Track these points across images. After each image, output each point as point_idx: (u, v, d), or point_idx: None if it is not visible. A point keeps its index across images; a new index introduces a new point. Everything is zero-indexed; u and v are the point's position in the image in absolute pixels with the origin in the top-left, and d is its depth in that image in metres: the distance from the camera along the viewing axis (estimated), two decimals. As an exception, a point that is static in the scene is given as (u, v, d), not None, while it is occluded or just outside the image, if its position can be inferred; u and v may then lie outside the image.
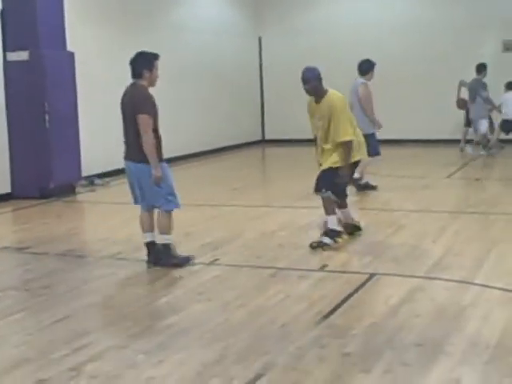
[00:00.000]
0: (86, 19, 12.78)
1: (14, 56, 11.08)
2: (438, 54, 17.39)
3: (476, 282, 6.32)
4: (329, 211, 7.61)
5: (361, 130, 10.12)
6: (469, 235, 8.16)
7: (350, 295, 6.00)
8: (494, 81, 15.44)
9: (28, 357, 4.85)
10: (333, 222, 7.61)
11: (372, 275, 6.55)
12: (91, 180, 12.29)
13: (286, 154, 17.40)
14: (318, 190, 7.58)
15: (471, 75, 15.60)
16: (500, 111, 15.45)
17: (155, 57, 6.88)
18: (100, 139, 12.83)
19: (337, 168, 7.46)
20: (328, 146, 7.51)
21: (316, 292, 6.16)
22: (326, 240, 7.53)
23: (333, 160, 7.47)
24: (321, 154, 7.66)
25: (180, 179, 12.90)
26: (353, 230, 8.01)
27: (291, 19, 18.80)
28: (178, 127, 14.08)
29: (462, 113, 16.14)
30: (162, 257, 7.01)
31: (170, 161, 14.07)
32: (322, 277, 6.65)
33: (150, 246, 7.10)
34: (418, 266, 6.88)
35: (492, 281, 6.32)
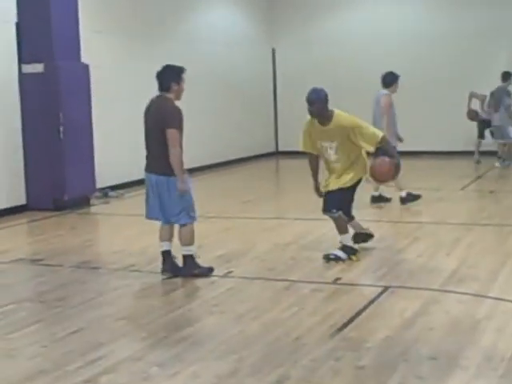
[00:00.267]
0: (100, 31, 12.85)
1: (29, 68, 11.16)
2: (451, 64, 17.38)
3: (490, 294, 6.29)
4: (342, 230, 7.61)
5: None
6: (483, 247, 8.13)
7: (364, 308, 5.98)
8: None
9: (43, 369, 4.86)
10: (348, 240, 7.60)
11: (386, 288, 6.53)
12: (105, 192, 12.33)
13: (300, 166, 17.28)
14: (327, 210, 7.58)
15: (484, 86, 15.60)
16: None
17: (182, 70, 6.91)
18: (114, 151, 12.89)
19: (347, 188, 7.46)
20: (339, 166, 7.48)
21: (330, 305, 6.15)
22: (341, 254, 7.52)
23: (343, 181, 7.47)
24: (328, 175, 7.63)
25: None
26: (365, 238, 8.00)
27: (305, 30, 18.84)
28: (190, 138, 14.03)
29: (475, 124, 16.11)
30: (183, 267, 7.04)
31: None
32: (335, 290, 6.65)
33: (166, 254, 7.12)
34: (433, 278, 6.86)
35: (507, 293, 6.29)
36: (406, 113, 16.54)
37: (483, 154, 15.90)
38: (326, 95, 7.33)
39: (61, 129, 11.08)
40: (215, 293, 6.58)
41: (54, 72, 11.04)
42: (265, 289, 6.78)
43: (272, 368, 4.74)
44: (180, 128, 6.79)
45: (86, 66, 11.55)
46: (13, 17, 11.13)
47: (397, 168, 7.65)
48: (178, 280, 6.98)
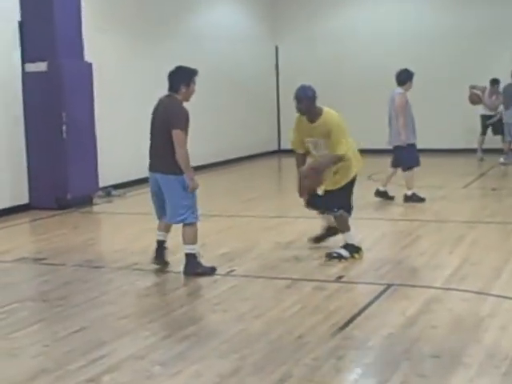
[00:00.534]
0: (104, 29, 12.83)
1: (32, 67, 11.16)
2: (453, 62, 17.37)
3: (494, 292, 6.29)
4: (344, 229, 7.61)
5: (399, 140, 10.30)
6: (486, 245, 8.12)
7: (367, 306, 5.98)
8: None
9: (45, 368, 4.86)
10: (351, 238, 7.59)
11: (389, 286, 6.53)
12: (108, 191, 12.34)
13: (302, 164, 17.38)
14: (329, 209, 7.59)
15: (486, 85, 15.63)
16: None
17: (194, 72, 6.97)
18: (117, 150, 12.89)
19: (344, 186, 7.46)
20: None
21: (332, 303, 6.15)
22: (343, 252, 7.52)
23: (337, 181, 7.45)
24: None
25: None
26: (336, 231, 7.93)
27: (308, 28, 18.83)
28: (193, 136, 14.10)
29: (479, 121, 16.09)
30: (186, 266, 7.06)
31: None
32: (337, 288, 6.64)
33: (160, 243, 7.26)
34: (435, 276, 6.86)
35: (510, 291, 6.29)
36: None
37: (486, 151, 15.89)
38: (314, 92, 7.37)
39: (64, 128, 11.09)
40: (217, 291, 6.58)
41: (57, 71, 11.05)
42: (267, 287, 6.78)
43: (274, 366, 4.74)
44: (185, 129, 6.84)
45: (90, 65, 11.55)
46: (16, 15, 11.13)
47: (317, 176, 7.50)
48: (181, 279, 6.98)
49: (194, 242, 7.03)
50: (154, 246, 7.34)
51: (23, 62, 11.22)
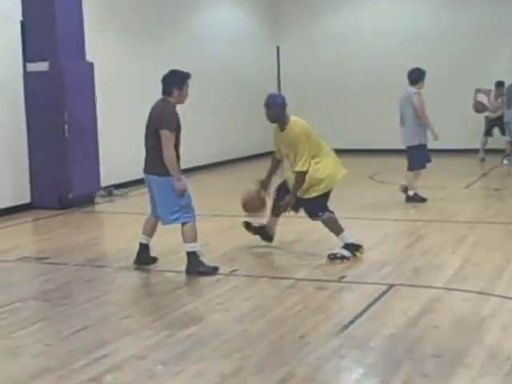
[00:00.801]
0: (105, 29, 12.85)
1: (34, 67, 11.17)
2: (454, 62, 17.36)
3: (495, 292, 6.29)
4: (336, 231, 7.62)
5: (413, 140, 10.33)
6: (488, 245, 8.12)
7: (369, 306, 5.99)
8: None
9: (48, 367, 4.87)
10: (348, 237, 7.59)
11: (391, 286, 6.53)
12: (110, 190, 12.34)
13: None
14: (314, 215, 7.65)
15: (486, 85, 15.62)
16: None
17: (187, 76, 7.05)
18: (119, 149, 12.90)
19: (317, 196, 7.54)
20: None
21: (334, 303, 6.16)
22: (345, 252, 7.52)
23: (307, 192, 7.53)
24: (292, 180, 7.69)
25: (196, 189, 12.93)
26: (267, 236, 8.08)
27: (310, 28, 18.82)
28: (195, 137, 14.11)
29: (482, 122, 16.08)
30: (188, 265, 7.09)
31: (189, 171, 14.16)
32: (340, 288, 6.65)
33: (143, 246, 7.40)
34: (437, 276, 6.86)
35: (512, 292, 6.29)
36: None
37: (488, 151, 15.88)
38: (284, 100, 7.48)
39: (65, 127, 11.09)
40: (219, 291, 6.58)
41: (58, 70, 11.05)
42: (269, 287, 6.79)
43: (276, 366, 4.75)
44: (174, 130, 6.92)
45: (91, 65, 11.56)
46: (17, 15, 11.14)
47: (262, 206, 7.79)
48: (183, 278, 6.99)
49: (193, 240, 7.06)
50: (137, 248, 7.47)
51: (25, 61, 11.23)
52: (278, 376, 4.59)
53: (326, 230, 8.72)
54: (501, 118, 15.50)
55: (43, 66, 11.11)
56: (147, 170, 7.15)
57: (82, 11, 11.50)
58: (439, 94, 17.33)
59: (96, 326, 5.76)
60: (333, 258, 7.50)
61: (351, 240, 7.59)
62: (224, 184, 14.33)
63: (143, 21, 14.07)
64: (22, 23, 11.21)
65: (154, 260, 7.54)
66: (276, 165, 7.94)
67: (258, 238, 8.30)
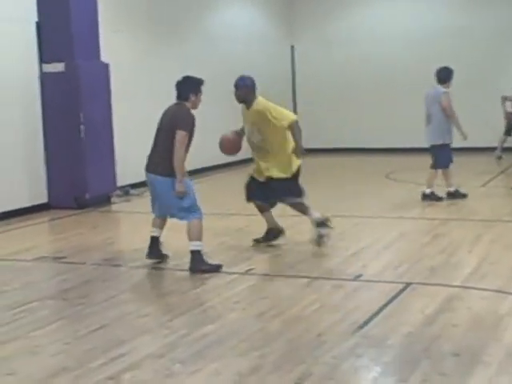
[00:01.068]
0: (119, 29, 12.89)
1: (49, 67, 11.22)
2: (473, 61, 17.26)
3: (513, 291, 6.26)
4: (305, 211, 7.90)
5: (438, 140, 10.30)
6: (505, 244, 8.07)
7: (386, 305, 5.97)
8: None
9: (66, 366, 4.89)
10: (317, 215, 7.83)
11: (407, 284, 6.52)
12: (126, 190, 12.38)
13: (319, 164, 17.37)
14: (282, 200, 7.97)
15: (505, 86, 15.54)
16: None
17: (202, 82, 7.27)
18: (134, 149, 12.90)
19: (288, 178, 7.79)
20: (263, 152, 7.84)
21: (351, 301, 6.15)
22: (323, 230, 7.78)
23: (277, 170, 7.81)
24: (258, 162, 7.98)
25: (213, 189, 12.99)
26: (277, 234, 8.20)
27: (324, 27, 18.78)
28: (211, 136, 14.10)
29: (502, 121, 15.98)
30: (191, 263, 7.15)
31: (206, 170, 14.17)
32: (356, 286, 6.64)
33: (154, 239, 7.53)
34: (455, 275, 6.84)
35: (529, 290, 6.26)
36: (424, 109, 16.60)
37: (505, 150, 15.78)
38: (253, 81, 7.95)
39: (81, 128, 11.14)
40: (236, 290, 6.59)
41: (74, 71, 11.10)
42: (286, 286, 6.79)
43: (294, 365, 4.75)
44: (190, 132, 7.06)
45: (106, 65, 11.60)
46: (33, 16, 11.20)
47: (237, 145, 8.04)
48: (199, 277, 7.00)
49: (198, 238, 7.14)
50: (149, 242, 7.58)
51: (41, 62, 11.29)
52: (295, 375, 4.59)
53: (342, 230, 8.75)
54: None
55: (59, 67, 11.16)
56: (152, 169, 7.28)
57: (96, 12, 11.54)
58: (460, 94, 17.26)
59: (113, 324, 5.78)
60: (319, 241, 7.75)
61: (318, 215, 7.84)
62: (240, 183, 14.27)
63: (157, 21, 14.10)
64: (38, 24, 11.27)
65: (165, 257, 7.60)
66: (241, 137, 8.13)
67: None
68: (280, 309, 6.00)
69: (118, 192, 12.14)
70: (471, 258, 7.46)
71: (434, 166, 10.87)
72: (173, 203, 7.14)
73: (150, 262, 7.57)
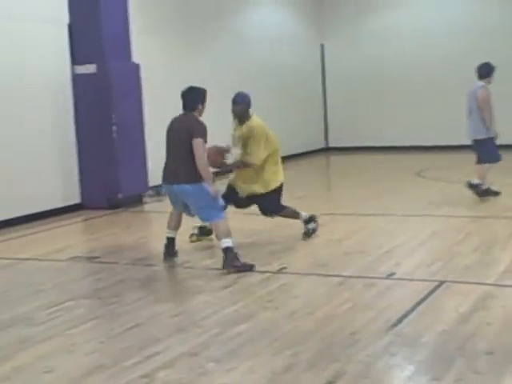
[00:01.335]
0: (150, 31, 12.98)
1: (81, 69, 11.33)
2: (498, 58, 17.07)
3: (548, 289, 6.21)
4: (294, 216, 8.42)
5: (478, 135, 10.39)
6: (539, 241, 8.01)
7: (419, 303, 5.95)
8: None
9: (101, 364, 4.94)
10: (304, 214, 8.43)
11: (441, 282, 6.48)
12: (158, 190, 12.43)
13: (350, 162, 17.35)
14: (273, 215, 8.39)
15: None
16: None
17: (206, 92, 7.53)
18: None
19: (272, 190, 8.17)
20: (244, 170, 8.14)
21: (384, 300, 6.13)
22: (311, 225, 8.42)
23: (258, 186, 8.16)
24: (238, 174, 8.23)
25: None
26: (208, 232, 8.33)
27: (354, 26, 18.76)
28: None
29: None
30: (224, 261, 7.22)
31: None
32: (389, 285, 6.62)
33: (169, 240, 7.76)
34: (488, 273, 6.79)
35: None
36: (456, 107, 16.48)
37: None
38: (250, 100, 8.14)
39: (114, 128, 11.23)
40: (269, 289, 6.60)
41: (106, 72, 11.19)
42: (318, 284, 6.78)
43: (327, 363, 4.75)
44: (205, 139, 7.26)
45: (137, 66, 11.68)
46: (65, 18, 11.30)
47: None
48: (232, 276, 7.02)
49: (227, 235, 7.26)
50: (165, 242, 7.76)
51: (73, 64, 11.39)
52: (329, 373, 4.60)
53: (375, 228, 8.73)
54: None
55: (91, 69, 11.27)
56: (175, 180, 7.36)
57: (127, 13, 11.64)
58: (494, 90, 17.15)
59: (147, 323, 5.82)
60: (309, 235, 8.33)
61: (306, 213, 8.43)
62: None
63: (187, 22, 14.16)
64: (70, 26, 11.37)
65: (177, 253, 7.84)
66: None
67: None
68: (312, 307, 6.00)
69: (150, 192, 12.22)
70: (505, 255, 7.40)
71: (479, 161, 10.77)
72: (201, 205, 7.31)
73: (182, 261, 7.63)
